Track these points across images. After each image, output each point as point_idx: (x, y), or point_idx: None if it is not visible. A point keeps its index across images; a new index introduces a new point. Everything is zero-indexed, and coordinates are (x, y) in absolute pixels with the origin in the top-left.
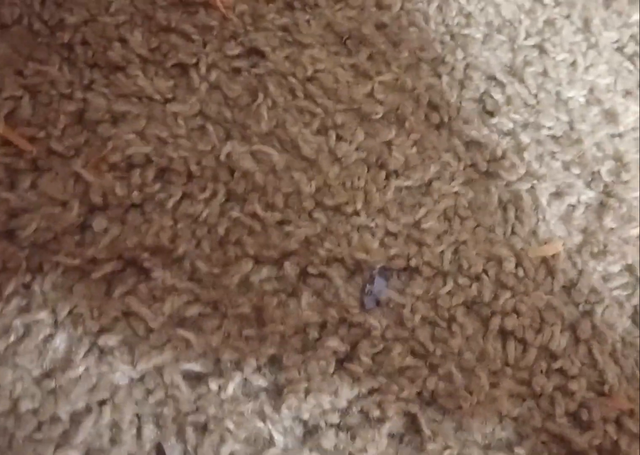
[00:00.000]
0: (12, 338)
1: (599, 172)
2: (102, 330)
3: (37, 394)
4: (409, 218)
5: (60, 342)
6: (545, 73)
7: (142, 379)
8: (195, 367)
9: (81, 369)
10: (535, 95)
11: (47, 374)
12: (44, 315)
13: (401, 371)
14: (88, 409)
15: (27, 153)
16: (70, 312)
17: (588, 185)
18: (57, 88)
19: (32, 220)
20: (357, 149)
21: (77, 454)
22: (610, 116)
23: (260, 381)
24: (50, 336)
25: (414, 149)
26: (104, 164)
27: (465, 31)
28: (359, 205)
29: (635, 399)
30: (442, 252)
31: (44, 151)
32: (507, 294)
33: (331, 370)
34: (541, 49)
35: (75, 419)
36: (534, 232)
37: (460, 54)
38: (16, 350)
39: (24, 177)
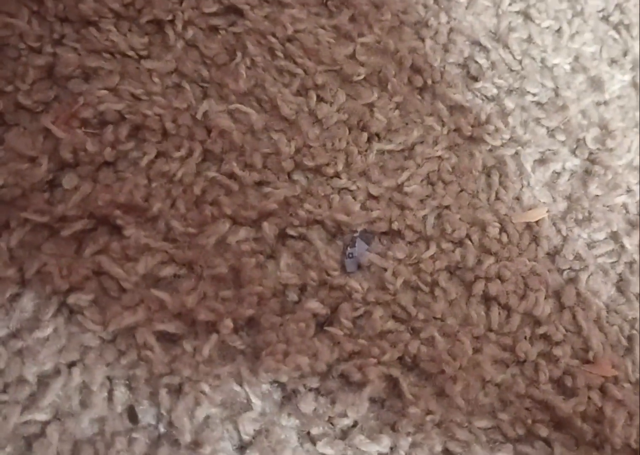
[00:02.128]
0: None
1: (584, 139)
2: (71, 289)
3: (3, 354)
4: (392, 181)
5: (27, 301)
6: (530, 39)
7: (113, 340)
8: (170, 328)
9: (49, 329)
10: (520, 61)
11: (14, 334)
12: (10, 272)
13: (382, 335)
14: (56, 371)
15: None
16: (38, 271)
17: (573, 152)
18: (25, 42)
19: None
20: (338, 110)
21: (45, 417)
22: (596, 84)
23: (237, 343)
24: (17, 295)
25: (397, 112)
26: (74, 120)
27: None
28: (340, 167)
29: (619, 366)
30: (425, 216)
31: (11, 105)
32: (491, 260)
33: (311, 333)
34: (526, 15)
35: (43, 380)
36: (518, 198)
37: (444, 18)
38: None
39: None
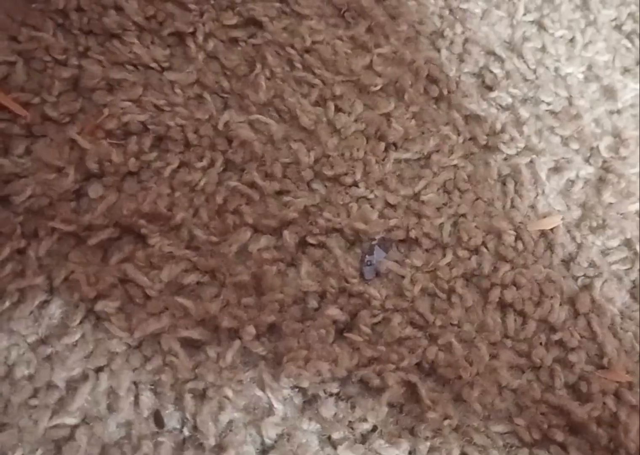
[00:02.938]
0: (7, 303)
1: (597, 147)
2: (98, 297)
3: (33, 360)
4: (409, 190)
5: (55, 308)
6: (544, 49)
7: (139, 346)
8: (194, 334)
9: (77, 336)
10: (534, 71)
11: (43, 340)
12: (39, 280)
13: (401, 341)
14: (85, 376)
15: (21, 118)
16: (66, 279)
17: (587, 160)
18: (51, 54)
19: (27, 186)
20: (356, 120)
21: (74, 421)
22: (609, 93)
23: (259, 349)
24: (46, 302)
25: (413, 122)
26: (99, 131)
27: (464, 6)
28: (358, 176)
29: (634, 372)
30: (442, 224)
31: (38, 117)
32: (507, 267)
33: (331, 339)
34: (540, 25)
35: (72, 385)
36: (533, 206)
37: (459, 28)
38: (11, 316)
39: (18, 142)
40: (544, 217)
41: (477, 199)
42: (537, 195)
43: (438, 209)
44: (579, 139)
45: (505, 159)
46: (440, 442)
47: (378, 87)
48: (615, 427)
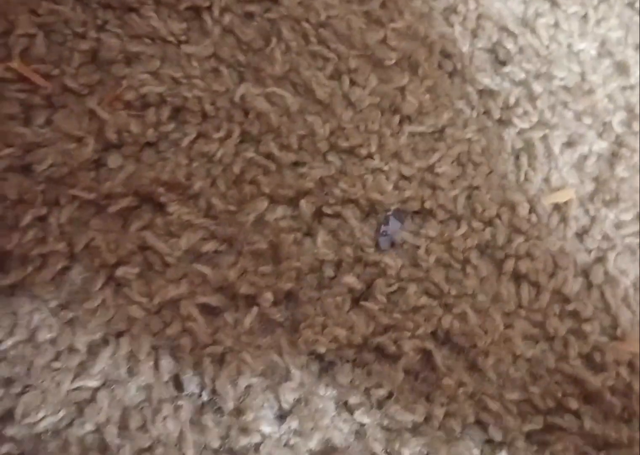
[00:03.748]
0: (29, 269)
1: (610, 122)
2: (118, 263)
3: (55, 324)
4: (423, 162)
5: (76, 274)
6: (556, 25)
7: (158, 311)
8: (212, 301)
9: (98, 301)
10: (547, 47)
11: (64, 305)
12: (60, 247)
13: (416, 310)
14: (105, 340)
15: (42, 89)
16: (86, 245)
17: (600, 135)
18: (70, 27)
19: (48, 155)
20: (370, 93)
21: (95, 383)
22: (622, 69)
23: (277, 316)
24: (67, 268)
25: (427, 96)
26: (118, 102)
27: None
28: (373, 148)
29: None
30: (456, 196)
31: (58, 88)
32: (521, 239)
33: (347, 307)
34: (552, 2)
35: (93, 350)
36: (546, 180)
37: (472, 4)
38: (33, 281)
39: (39, 112)
40: (558, 190)
41: (490, 172)
42: (551, 169)
43: (452, 181)
44: (592, 113)
45: (518, 133)
46: (456, 409)
47: (392, 62)
48: (629, 397)
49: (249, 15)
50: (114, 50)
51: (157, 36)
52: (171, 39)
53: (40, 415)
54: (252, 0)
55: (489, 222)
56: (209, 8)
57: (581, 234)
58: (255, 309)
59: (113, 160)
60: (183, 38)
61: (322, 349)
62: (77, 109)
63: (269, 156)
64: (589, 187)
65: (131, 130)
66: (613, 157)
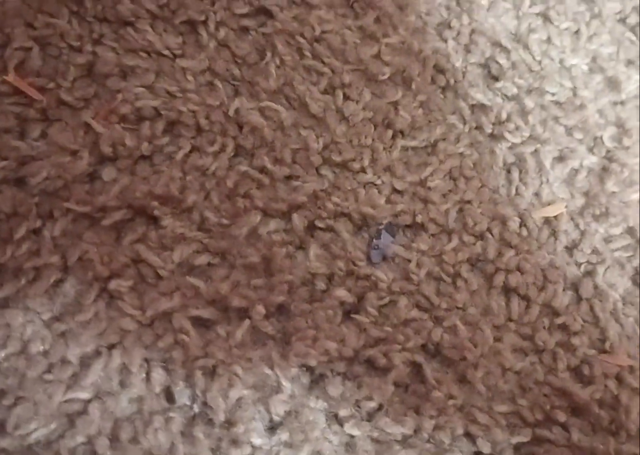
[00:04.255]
0: (22, 281)
1: (601, 137)
2: (111, 276)
3: (47, 336)
4: (415, 176)
5: (70, 286)
6: (549, 40)
7: (151, 324)
8: (204, 314)
9: (91, 313)
10: (540, 62)
11: (57, 318)
12: (54, 259)
13: (407, 323)
14: (97, 353)
15: (37, 102)
16: (80, 258)
17: (590, 150)
18: (66, 41)
19: (42, 168)
20: (364, 108)
21: (87, 395)
22: (613, 84)
23: (268, 329)
24: (60, 281)
25: (420, 110)
26: (113, 115)
27: None
28: (366, 163)
29: (635, 357)
30: (448, 210)
31: (53, 101)
32: (511, 252)
33: (338, 320)
34: (545, 17)
35: (85, 361)
36: (537, 194)
37: (465, 20)
38: (26, 294)
39: (34, 126)
40: (548, 204)
41: (482, 186)
42: (542, 183)
43: (444, 195)
44: (583, 129)
45: (510, 148)
46: (445, 421)
47: (386, 76)
48: (617, 409)
49: (244, 30)
50: (109, 64)
51: (152, 50)
52: (166, 52)
53: (32, 427)
54: (248, 15)
55: (480, 236)
56: (205, 22)
57: (571, 248)
58: (247, 322)
59: (107, 173)
60: (178, 52)
61: (313, 362)
62: (72, 122)
63: (262, 170)
64: (580, 201)
65: (126, 143)
66: (603, 172)
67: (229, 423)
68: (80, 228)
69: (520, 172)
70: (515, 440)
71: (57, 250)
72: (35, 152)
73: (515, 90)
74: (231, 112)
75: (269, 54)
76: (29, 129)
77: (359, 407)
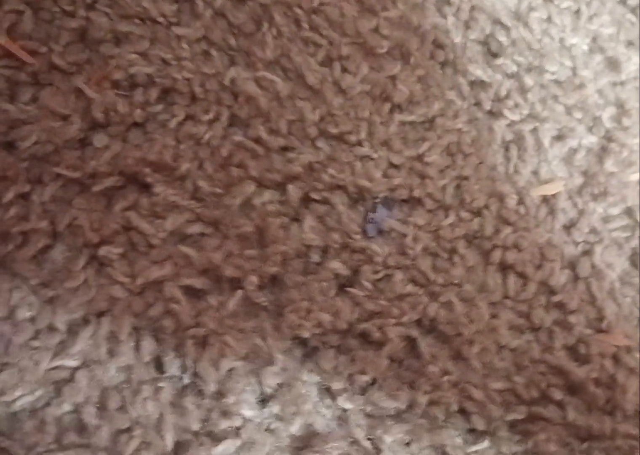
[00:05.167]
0: (9, 246)
1: (600, 117)
2: (101, 243)
3: (35, 302)
4: (412, 151)
5: (58, 253)
6: (549, 19)
7: (141, 292)
8: (196, 283)
9: (80, 280)
10: (540, 40)
11: (45, 284)
12: (43, 225)
13: (402, 297)
14: (86, 320)
15: (28, 66)
16: (69, 224)
17: (590, 129)
18: (59, 5)
19: (32, 133)
20: (361, 81)
21: (74, 363)
22: (613, 65)
23: (261, 300)
24: (49, 247)
25: (418, 85)
26: (106, 81)
27: None
28: (363, 135)
29: (632, 336)
30: (445, 185)
31: (45, 65)
32: (509, 230)
33: (332, 292)
34: None
35: (73, 329)
36: (535, 172)
37: None
38: (14, 259)
39: (25, 89)
40: (546, 183)
41: (480, 163)
42: (540, 161)
43: (441, 171)
44: (582, 108)
45: (509, 125)
46: (439, 397)
47: (384, 50)
48: (613, 389)
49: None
50: (103, 30)
51: (147, 17)
52: (161, 20)
53: (17, 393)
54: None
55: (477, 213)
56: None
57: (569, 227)
58: (239, 292)
59: (99, 139)
60: (174, 20)
61: (306, 334)
62: (64, 87)
63: (257, 140)
64: (578, 180)
65: (118, 110)
66: (602, 152)
67: (220, 394)
68: (70, 194)
69: (519, 149)
70: (510, 417)
71: (46, 215)
72: (25, 116)
73: (514, 68)
74: (227, 82)
75: (265, 25)
76: (20, 92)
77: (352, 381)
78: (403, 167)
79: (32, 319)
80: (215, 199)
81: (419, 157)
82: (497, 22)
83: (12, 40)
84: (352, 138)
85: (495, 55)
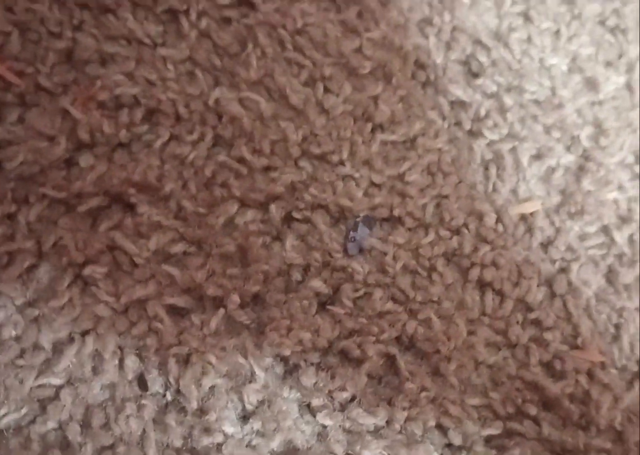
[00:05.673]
0: None
1: (578, 137)
2: (86, 262)
3: (20, 321)
4: (393, 171)
5: (44, 272)
6: (529, 40)
7: (125, 311)
8: (179, 302)
9: (65, 299)
10: (519, 61)
11: (30, 303)
12: (28, 245)
13: (381, 315)
14: (70, 339)
15: (15, 87)
16: (54, 244)
17: (568, 149)
18: (46, 26)
19: (19, 153)
20: (344, 101)
21: (59, 381)
22: (591, 85)
23: (243, 318)
24: (34, 266)
25: (400, 105)
26: (92, 102)
27: None
28: (345, 155)
29: (607, 353)
30: (425, 204)
31: (32, 86)
32: (487, 248)
33: (313, 310)
34: (526, 17)
35: (58, 347)
36: (514, 191)
37: (447, 17)
38: (0, 278)
39: (12, 110)
40: (525, 201)
41: (460, 182)
42: (519, 180)
43: (422, 189)
44: (561, 128)
45: (488, 145)
46: (417, 413)
47: (367, 70)
48: (587, 404)
49: (226, 20)
50: (89, 50)
51: (133, 38)
52: (147, 41)
53: (3, 412)
54: (230, 6)
55: (456, 231)
56: (187, 12)
57: (546, 245)
58: (221, 311)
59: (84, 159)
60: (159, 40)
61: (286, 352)
62: (50, 107)
63: (240, 160)
64: (556, 199)
65: (104, 130)
66: (580, 171)
67: (202, 411)
68: (56, 214)
69: (498, 168)
70: (486, 432)
71: (31, 235)
72: (11, 137)
73: (494, 88)
74: (211, 102)
75: (250, 45)
76: (6, 113)
77: (332, 397)
78: (384, 186)
79: (18, 338)
80: (198, 218)
81: (400, 177)
82: (477, 42)
83: (0, 62)
84: (334, 158)
85: (475, 76)
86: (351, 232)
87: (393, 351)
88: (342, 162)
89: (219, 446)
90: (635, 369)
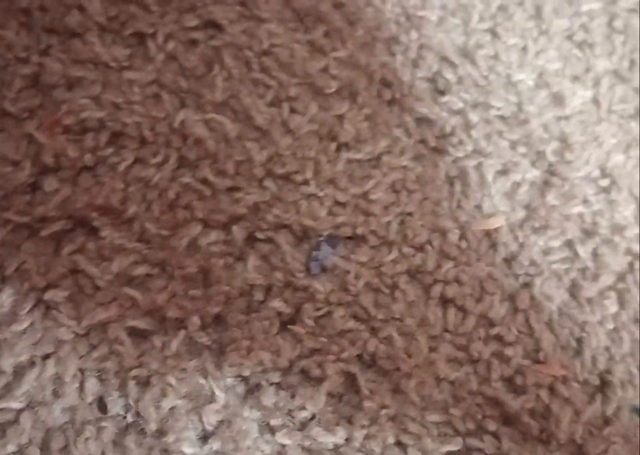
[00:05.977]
0: None
1: (544, 152)
2: (48, 286)
3: None
4: (358, 189)
5: (6, 297)
6: (496, 56)
7: (86, 334)
8: (141, 324)
9: (26, 323)
10: (486, 77)
11: None
12: None
13: (343, 334)
14: (31, 362)
15: None
16: (17, 269)
17: (533, 164)
18: (13, 52)
19: None
20: (309, 121)
21: (19, 405)
22: (558, 99)
23: (203, 339)
24: None
25: (365, 123)
26: (57, 126)
27: (421, 13)
28: (309, 175)
29: (568, 367)
30: (389, 222)
31: None
32: (450, 264)
33: (274, 331)
34: (493, 33)
35: (19, 371)
36: (478, 207)
37: (414, 35)
38: None
39: None
40: (489, 217)
41: (424, 199)
42: (483, 196)
43: (386, 207)
44: (526, 143)
45: (453, 161)
46: (376, 431)
47: (332, 90)
48: (547, 419)
49: (193, 43)
50: (55, 75)
51: (99, 61)
52: (114, 64)
53: None
54: (197, 28)
55: (420, 248)
56: (153, 35)
57: (509, 260)
58: (182, 333)
59: (49, 183)
60: (126, 64)
61: (246, 372)
62: (16, 132)
63: (204, 181)
64: (520, 214)
65: (69, 154)
66: (544, 186)
67: (161, 432)
68: (19, 238)
69: (463, 185)
70: (445, 449)
71: None
72: None
73: (460, 105)
74: (176, 124)
75: (216, 67)
76: None
77: (292, 416)
78: (348, 205)
79: None
80: (161, 240)
81: (364, 195)
82: (444, 59)
83: None
84: (298, 177)
85: (442, 93)
86: (314, 252)
87: (353, 370)
88: (306, 182)
89: None
90: (597, 382)
